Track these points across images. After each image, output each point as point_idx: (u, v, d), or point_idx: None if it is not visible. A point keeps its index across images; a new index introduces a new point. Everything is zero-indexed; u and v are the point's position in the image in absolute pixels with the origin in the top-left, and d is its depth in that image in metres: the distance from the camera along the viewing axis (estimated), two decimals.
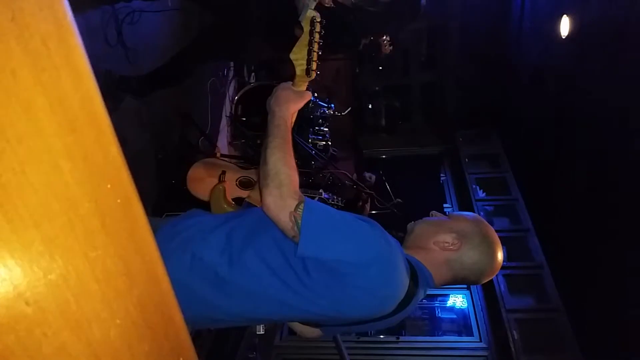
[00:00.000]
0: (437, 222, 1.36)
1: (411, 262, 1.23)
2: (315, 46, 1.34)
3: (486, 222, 1.35)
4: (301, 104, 1.36)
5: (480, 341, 3.87)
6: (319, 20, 1.32)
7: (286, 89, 1.35)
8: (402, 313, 1.23)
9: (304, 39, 1.33)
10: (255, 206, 1.36)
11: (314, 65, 1.35)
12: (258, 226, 1.21)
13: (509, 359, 3.50)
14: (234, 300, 1.20)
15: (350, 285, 1.12)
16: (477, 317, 4.04)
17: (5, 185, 0.40)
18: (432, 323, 4.30)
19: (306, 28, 1.33)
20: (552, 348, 3.58)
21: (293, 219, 1.12)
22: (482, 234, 1.29)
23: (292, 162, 1.23)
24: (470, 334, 3.98)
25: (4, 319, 0.41)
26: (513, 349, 3.51)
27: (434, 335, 4.16)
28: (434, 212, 1.42)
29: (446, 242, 1.27)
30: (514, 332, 3.60)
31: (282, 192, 1.15)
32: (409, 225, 1.40)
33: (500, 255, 1.29)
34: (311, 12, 1.32)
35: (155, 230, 1.17)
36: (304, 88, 1.38)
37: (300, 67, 1.35)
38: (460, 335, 4.11)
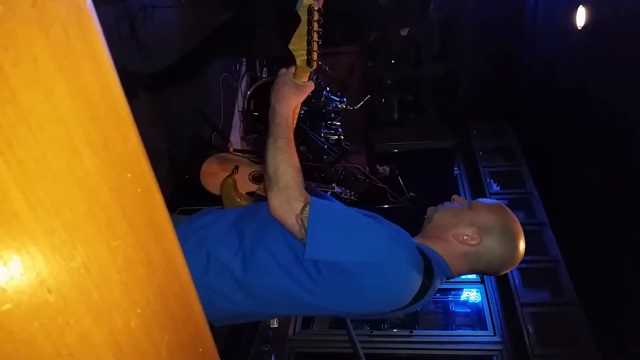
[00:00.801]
0: (457, 211, 1.30)
1: (427, 253, 1.20)
2: (315, 35, 1.28)
3: (509, 211, 1.30)
4: (302, 98, 1.33)
5: (495, 335, 3.85)
6: (316, 8, 1.26)
7: (286, 83, 1.31)
8: (418, 304, 1.21)
9: (302, 28, 1.28)
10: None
11: (315, 56, 1.30)
12: (268, 224, 1.20)
13: (524, 352, 3.48)
14: (250, 297, 1.21)
15: (361, 284, 1.11)
16: (492, 310, 4.01)
17: (28, 172, 0.40)
18: (445, 317, 4.28)
19: (303, 17, 1.27)
20: (567, 342, 3.55)
21: (300, 221, 1.11)
22: (503, 227, 1.24)
23: (296, 161, 1.21)
24: (485, 328, 3.95)
25: (27, 306, 0.41)
26: (528, 343, 3.49)
27: (448, 329, 4.14)
28: (456, 196, 1.36)
29: (466, 236, 1.23)
30: (529, 326, 3.57)
31: (288, 195, 1.14)
32: (429, 211, 1.35)
33: (522, 248, 1.25)
34: (308, 0, 1.25)
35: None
36: (306, 79, 1.34)
37: (300, 57, 1.31)
38: (474, 329, 4.08)
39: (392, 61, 5.69)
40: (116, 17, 2.72)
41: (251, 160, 3.74)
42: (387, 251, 1.11)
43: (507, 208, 1.32)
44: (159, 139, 3.30)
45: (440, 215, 1.31)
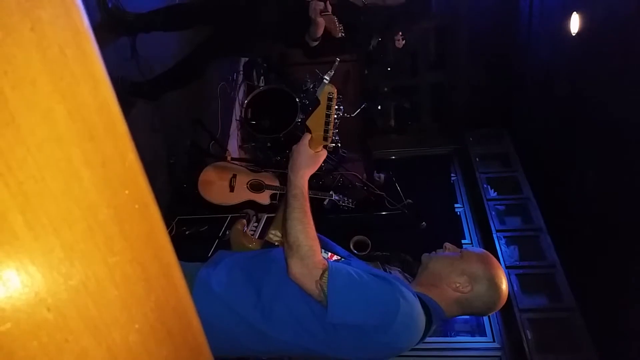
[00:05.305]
0: (450, 260, 1.43)
1: (425, 302, 1.33)
2: (332, 117, 1.41)
3: (494, 260, 1.44)
4: (316, 167, 1.45)
5: (494, 341, 3.85)
6: (335, 95, 1.39)
7: (302, 153, 1.42)
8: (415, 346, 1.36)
9: (321, 111, 1.41)
10: (276, 245, 1.52)
11: (331, 133, 1.43)
12: (285, 280, 1.30)
13: (523, 358, 3.48)
14: (266, 345, 1.35)
15: (375, 341, 1.25)
16: (490, 317, 4.01)
17: (27, 193, 0.41)
18: (444, 323, 4.25)
19: (323, 103, 1.40)
20: (566, 347, 3.55)
21: (319, 286, 1.23)
22: (490, 276, 1.38)
23: (313, 231, 1.32)
24: (484, 334, 3.95)
25: (26, 325, 0.41)
26: (527, 349, 3.49)
27: (447, 336, 4.13)
28: (447, 244, 1.49)
29: (458, 284, 1.37)
30: (528, 332, 3.57)
31: (307, 264, 1.25)
32: (424, 258, 1.48)
33: (505, 292, 1.39)
34: (328, 88, 1.39)
35: (192, 278, 1.34)
36: (320, 149, 1.46)
37: (317, 132, 1.43)
38: (473, 335, 4.08)
39: (389, 69, 5.70)
40: (117, 31, 2.72)
41: (249, 169, 3.74)
42: (399, 311, 1.23)
43: (492, 256, 1.45)
44: (157, 148, 3.30)
45: (434, 264, 1.45)
